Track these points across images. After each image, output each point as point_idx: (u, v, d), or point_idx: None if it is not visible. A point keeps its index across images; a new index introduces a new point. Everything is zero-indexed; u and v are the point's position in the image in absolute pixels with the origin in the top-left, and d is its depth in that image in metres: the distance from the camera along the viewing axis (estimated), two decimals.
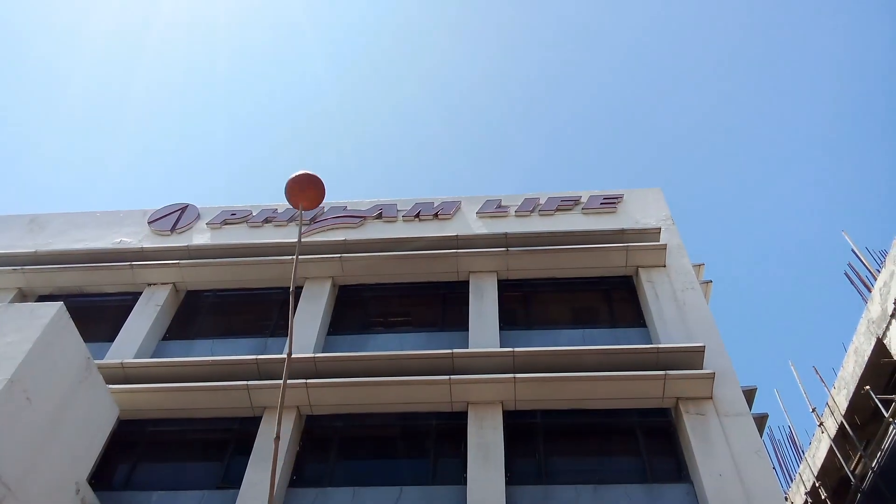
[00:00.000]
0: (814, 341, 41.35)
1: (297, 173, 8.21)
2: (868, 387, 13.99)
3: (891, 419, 13.40)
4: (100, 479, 9.27)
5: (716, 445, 8.74)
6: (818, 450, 16.11)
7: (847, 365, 15.29)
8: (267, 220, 13.70)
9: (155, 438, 10.12)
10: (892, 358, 13.58)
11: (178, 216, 14.00)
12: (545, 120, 46.40)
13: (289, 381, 9.73)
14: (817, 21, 41.48)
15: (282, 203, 14.09)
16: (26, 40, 40.34)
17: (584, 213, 13.33)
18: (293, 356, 10.20)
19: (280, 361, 10.15)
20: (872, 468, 14.02)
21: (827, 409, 15.88)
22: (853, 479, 14.58)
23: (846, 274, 15.89)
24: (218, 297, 12.64)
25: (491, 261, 12.08)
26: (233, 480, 9.19)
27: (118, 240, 13.61)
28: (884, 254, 14.42)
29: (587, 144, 47.47)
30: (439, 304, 12.14)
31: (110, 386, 9.56)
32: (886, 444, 13.71)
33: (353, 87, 46.94)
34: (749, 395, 10.52)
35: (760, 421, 11.23)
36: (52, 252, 12.97)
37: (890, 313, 13.54)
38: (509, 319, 11.41)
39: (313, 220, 13.53)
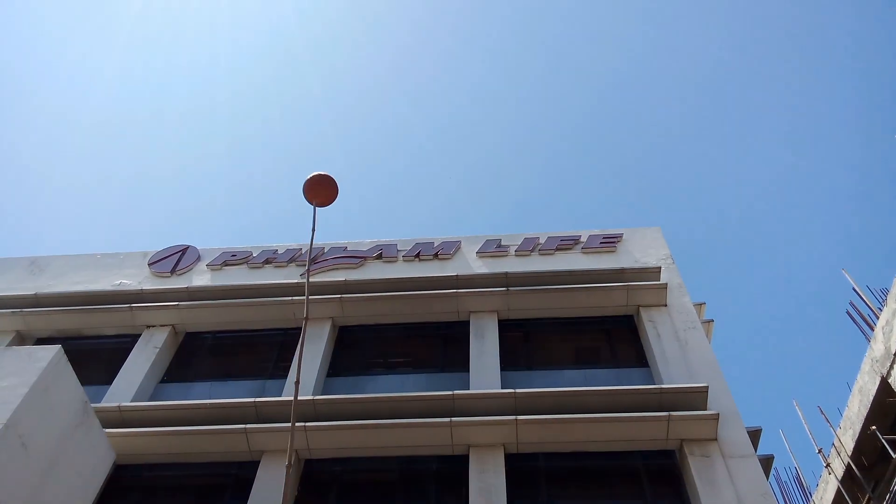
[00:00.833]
0: (818, 381, 41.03)
1: (314, 174, 8.69)
2: (874, 427, 13.84)
3: None
4: None
5: (722, 488, 8.59)
6: (826, 491, 15.85)
7: (852, 405, 15.14)
8: (267, 262, 13.70)
9: (152, 483, 9.96)
10: None
11: (178, 258, 14.01)
12: (539, 156, 46.77)
13: (286, 425, 9.64)
14: (818, 53, 42.14)
15: (281, 244, 14.12)
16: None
17: (584, 253, 13.34)
18: (292, 399, 10.16)
19: (279, 404, 10.06)
20: None
21: (833, 450, 15.67)
22: None
23: (848, 312, 15.85)
24: (217, 339, 12.57)
25: (491, 300, 12.04)
26: None
27: (118, 282, 13.59)
28: (885, 292, 14.40)
29: (583, 183, 47.77)
30: (440, 345, 12.07)
31: (107, 430, 9.45)
32: (895, 485, 13.49)
33: (345, 119, 47.42)
34: (754, 436, 10.39)
35: (766, 462, 11.08)
36: (51, 294, 12.95)
37: (893, 352, 13.46)
38: (510, 360, 11.32)
39: (313, 260, 13.53)
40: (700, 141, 44.75)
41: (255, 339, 12.52)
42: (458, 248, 13.67)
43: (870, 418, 14.14)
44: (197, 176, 46.74)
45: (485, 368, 10.83)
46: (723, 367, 10.49)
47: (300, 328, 11.99)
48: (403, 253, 13.62)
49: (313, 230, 8.48)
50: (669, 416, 9.25)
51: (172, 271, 13.70)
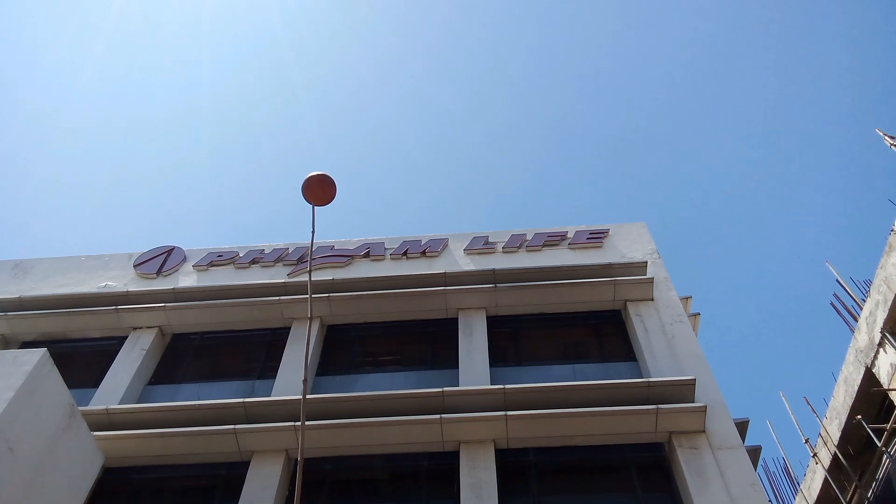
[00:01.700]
0: (803, 372, 41.41)
1: (312, 174, 8.77)
2: (860, 416, 13.97)
3: (884, 448, 13.37)
4: None
5: (710, 479, 8.66)
6: (813, 481, 16.01)
7: (838, 395, 15.30)
8: (254, 262, 13.64)
9: (141, 486, 9.91)
10: (881, 387, 13.60)
11: (164, 259, 13.93)
12: (524, 153, 46.88)
13: (276, 424, 9.65)
14: (804, 46, 42.47)
15: (268, 244, 14.07)
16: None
17: (570, 248, 13.39)
18: (281, 399, 10.15)
19: (268, 405, 10.04)
20: (868, 498, 13.93)
21: (820, 440, 15.82)
22: None
23: (832, 304, 15.99)
24: (204, 340, 12.51)
25: (479, 297, 12.06)
26: None
27: (103, 284, 13.49)
28: (868, 283, 14.54)
29: (569, 179, 47.93)
30: (428, 342, 12.08)
31: (95, 433, 9.39)
32: (880, 473, 13.65)
33: (331, 119, 47.33)
34: (742, 427, 10.47)
35: (754, 453, 11.17)
36: (36, 297, 12.83)
37: (877, 342, 13.61)
38: (499, 356, 11.35)
39: (300, 259, 13.50)
40: (683, 136, 45.05)
41: (243, 340, 12.47)
42: (446, 245, 13.68)
43: (855, 408, 14.29)
44: (181, 178, 46.48)
45: (474, 365, 10.85)
46: (710, 360, 10.60)
47: (288, 328, 12.09)
48: (391, 251, 13.62)
49: (313, 230, 8.54)
50: (658, 409, 9.32)
51: (158, 272, 13.61)
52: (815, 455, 15.89)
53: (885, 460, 13.40)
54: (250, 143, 46.58)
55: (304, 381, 7.47)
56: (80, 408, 9.21)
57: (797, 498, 16.55)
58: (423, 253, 13.48)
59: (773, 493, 16.26)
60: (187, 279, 13.48)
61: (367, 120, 47.11)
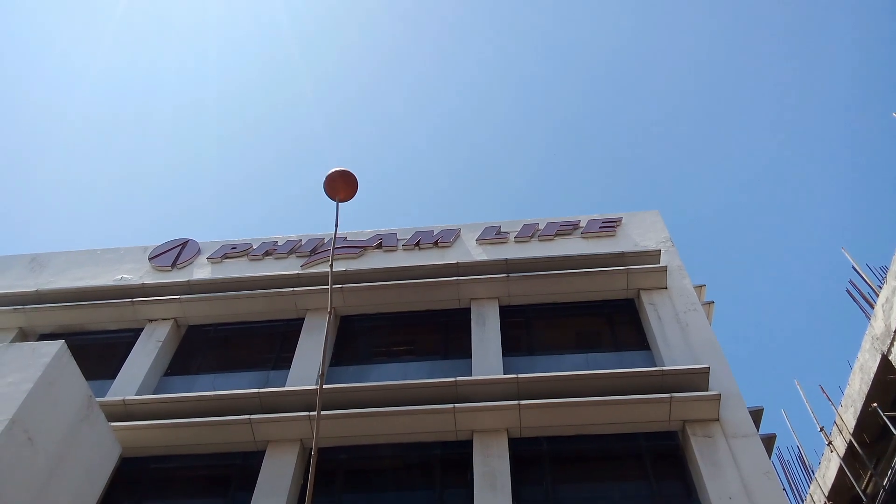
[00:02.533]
0: (819, 359, 41.16)
1: (334, 169, 8.91)
2: (875, 404, 13.90)
3: None
4: None
5: (724, 468, 8.65)
6: (828, 469, 15.95)
7: (853, 382, 15.21)
8: (267, 253, 13.72)
9: (158, 475, 10.03)
10: None
11: (178, 252, 14.03)
12: (538, 142, 46.69)
13: (291, 414, 9.72)
14: (819, 35, 41.99)
15: (281, 236, 14.14)
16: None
17: (583, 238, 13.35)
18: (296, 389, 10.23)
19: (283, 395, 10.12)
20: (884, 486, 13.86)
21: (835, 428, 15.75)
22: (864, 498, 14.40)
23: (848, 291, 15.89)
24: (219, 332, 12.61)
25: (492, 287, 12.06)
26: None
27: (119, 277, 13.62)
28: (885, 270, 14.42)
29: (582, 168, 47.72)
30: (441, 333, 12.11)
31: (112, 423, 9.50)
32: None
33: (340, 113, 47.32)
34: (756, 415, 10.44)
35: (768, 442, 11.14)
36: (53, 290, 12.97)
37: (894, 329, 13.50)
38: (512, 346, 11.36)
39: (313, 251, 13.56)
40: (698, 123, 44.71)
41: (258, 331, 12.56)
42: (458, 235, 13.68)
43: (871, 396, 14.21)
44: (192, 172, 46.70)
45: (487, 354, 10.87)
46: (724, 348, 10.55)
47: (302, 319, 12.16)
48: (403, 242, 13.64)
49: (336, 224, 8.64)
50: (671, 397, 9.30)
51: (173, 265, 13.72)
52: (829, 443, 15.83)
53: None
54: (260, 137, 46.73)
55: (322, 375, 7.49)
56: (98, 399, 9.31)
57: (812, 486, 16.50)
58: (436, 243, 13.49)
59: (787, 482, 16.25)
60: (202, 271, 13.57)
61: (378, 112, 47.12)
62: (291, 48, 43.59)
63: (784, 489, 9.07)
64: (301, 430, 9.67)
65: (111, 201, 44.68)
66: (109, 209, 44.56)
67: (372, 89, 46.49)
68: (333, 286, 12.10)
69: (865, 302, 15.28)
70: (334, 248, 8.83)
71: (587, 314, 12.20)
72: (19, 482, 7.55)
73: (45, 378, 8.19)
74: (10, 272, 14.07)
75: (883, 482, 13.86)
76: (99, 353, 12.29)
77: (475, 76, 46.05)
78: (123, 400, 10.29)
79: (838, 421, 15.54)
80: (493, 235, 13.52)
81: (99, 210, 44.81)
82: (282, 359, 11.71)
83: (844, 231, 41.65)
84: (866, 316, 14.95)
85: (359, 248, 13.51)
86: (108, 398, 10.38)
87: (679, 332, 10.83)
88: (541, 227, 13.63)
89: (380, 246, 13.58)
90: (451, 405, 9.56)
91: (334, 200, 8.84)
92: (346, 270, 12.63)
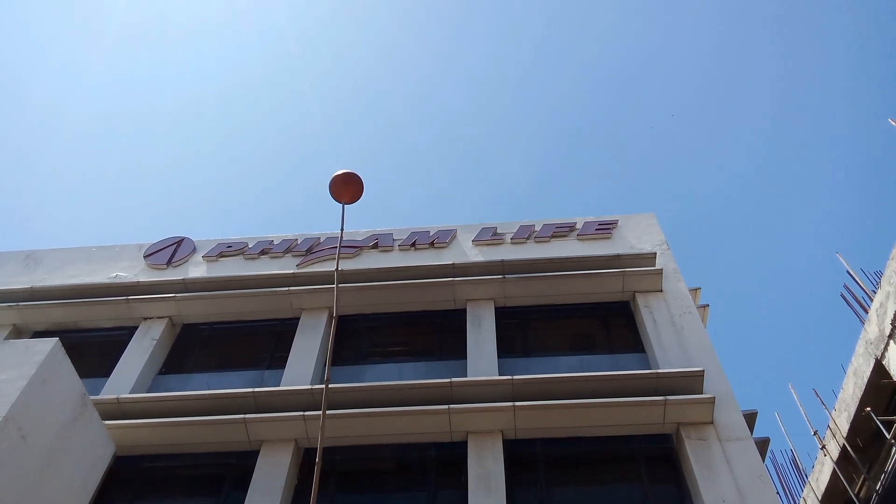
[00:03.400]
0: (813, 363, 41.30)
1: (340, 171, 8.86)
2: (869, 408, 13.94)
3: (893, 441, 13.33)
4: None
5: (718, 471, 8.67)
6: (821, 473, 15.99)
7: (847, 387, 15.26)
8: (263, 252, 13.69)
9: (151, 474, 10.00)
10: (891, 379, 13.55)
11: (173, 250, 14.00)
12: (534, 143, 46.75)
13: (286, 414, 9.71)
14: (814, 39, 42.12)
15: (277, 235, 14.12)
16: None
17: (579, 240, 13.37)
18: (290, 388, 10.22)
19: (277, 394, 10.10)
20: (876, 490, 13.91)
21: (828, 432, 15.79)
22: (858, 502, 14.44)
23: (842, 296, 15.93)
24: (214, 330, 12.58)
25: (488, 288, 12.07)
26: None
27: (114, 274, 13.58)
28: (879, 275, 14.47)
29: (578, 170, 47.79)
30: (437, 333, 12.11)
31: (106, 422, 9.47)
32: (889, 465, 13.62)
33: (337, 112, 47.31)
34: (750, 419, 10.45)
35: (762, 445, 11.16)
36: (47, 287, 12.93)
37: (887, 334, 13.55)
38: (507, 347, 11.37)
39: (309, 250, 13.55)
40: (693, 128, 44.79)
41: (252, 330, 12.54)
42: (454, 236, 13.68)
43: (864, 400, 14.25)
44: (189, 170, 46.61)
45: (482, 356, 10.87)
46: (718, 352, 10.57)
47: (297, 318, 12.15)
48: (399, 242, 13.63)
49: (342, 227, 8.65)
50: (666, 400, 9.31)
51: (168, 263, 13.69)
52: (823, 447, 15.87)
53: (894, 452, 13.36)
54: (257, 136, 46.66)
55: (327, 376, 7.48)
56: (92, 397, 9.29)
57: (805, 490, 16.54)
58: (432, 244, 13.49)
59: (781, 485, 16.27)
60: (197, 270, 13.54)
61: (374, 112, 47.08)
62: (290, 46, 43.54)
63: (778, 493, 9.13)
64: (295, 429, 9.65)
65: (109, 198, 44.56)
66: (107, 206, 44.45)
67: (368, 89, 46.48)
68: (328, 286, 12.15)
69: (860, 306, 15.33)
70: (340, 248, 8.84)
71: (583, 316, 12.22)
72: (12, 480, 7.53)
73: (38, 376, 8.17)
74: (4, 269, 14.02)
75: (876, 486, 13.91)
76: (93, 350, 12.26)
77: (471, 77, 46.09)
78: (117, 398, 10.27)
79: (832, 425, 15.59)
80: (490, 237, 13.53)
81: (97, 207, 44.68)
82: (277, 358, 11.69)
83: (839, 236, 41.80)
84: (860, 320, 15.00)
85: (355, 248, 13.50)
86: (102, 396, 10.35)
87: (674, 334, 10.85)
88: (537, 228, 13.64)
89: (376, 246, 13.57)
90: (445, 406, 9.55)
91: (340, 203, 8.83)
92: (341, 270, 12.60)
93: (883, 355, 13.74)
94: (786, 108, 43.17)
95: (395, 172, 47.71)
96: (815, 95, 42.67)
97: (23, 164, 42.21)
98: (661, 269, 11.97)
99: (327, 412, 9.55)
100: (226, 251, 13.84)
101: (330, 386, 10.12)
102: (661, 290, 11.79)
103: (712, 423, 9.26)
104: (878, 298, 14.12)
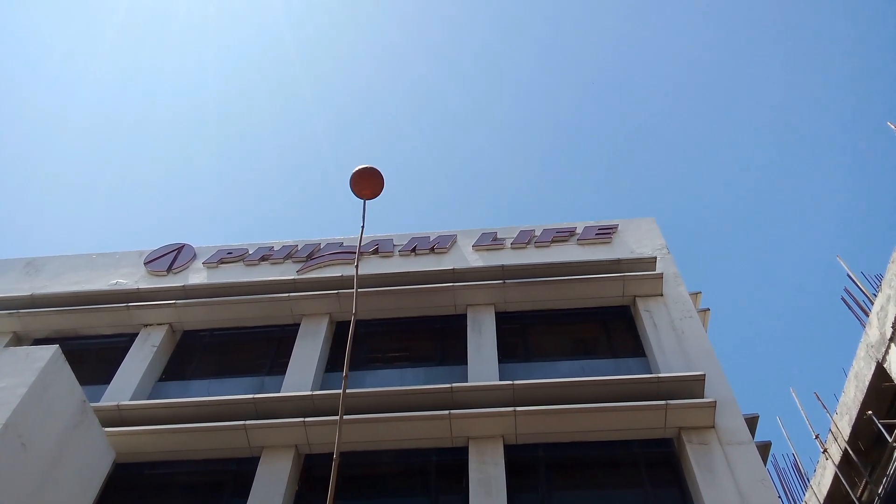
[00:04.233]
0: (814, 367, 41.24)
1: (361, 167, 9.01)
2: (870, 412, 13.93)
3: (894, 444, 13.30)
4: None
5: (720, 475, 8.65)
6: (823, 477, 15.96)
7: (848, 390, 15.24)
8: (263, 258, 13.70)
9: (152, 481, 9.98)
10: (892, 382, 13.54)
11: (174, 256, 14.00)
12: (534, 149, 46.79)
13: (286, 420, 9.70)
14: (814, 42, 42.21)
15: (277, 241, 14.12)
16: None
17: (579, 244, 13.36)
18: (291, 394, 10.21)
19: (278, 400, 10.10)
20: (879, 494, 13.88)
21: (830, 436, 15.77)
22: None
23: (843, 299, 15.93)
24: (214, 337, 12.57)
25: (488, 294, 12.06)
26: None
27: (114, 281, 13.58)
28: (880, 278, 14.47)
29: (577, 174, 47.82)
30: (437, 339, 12.10)
31: (106, 429, 9.46)
32: (891, 469, 13.59)
33: (336, 117, 47.38)
34: (751, 423, 10.44)
35: (764, 449, 11.14)
36: (47, 295, 12.93)
37: (888, 337, 13.54)
38: (508, 352, 11.36)
39: (309, 256, 13.55)
40: (693, 132, 44.84)
41: (253, 337, 12.53)
42: (454, 241, 13.68)
43: (866, 403, 14.23)
44: (189, 176, 46.65)
45: (483, 361, 10.86)
46: (719, 356, 10.56)
47: (297, 324, 12.14)
48: (399, 248, 13.63)
49: (363, 225, 8.70)
50: (667, 404, 9.30)
51: (168, 270, 13.69)
52: (825, 451, 15.84)
53: None
54: (257, 141, 46.70)
55: (345, 378, 7.49)
56: (92, 404, 9.28)
57: (807, 494, 16.50)
58: (432, 249, 13.49)
59: (782, 489, 16.23)
60: (197, 276, 13.55)
61: (373, 117, 47.15)
62: (289, 52, 43.63)
63: (780, 496, 9.11)
64: (296, 436, 9.64)
65: (108, 204, 44.59)
66: (107, 213, 44.47)
67: (367, 94, 46.56)
68: (329, 291, 12.15)
69: (860, 310, 15.33)
70: (359, 250, 8.92)
71: (583, 321, 12.21)
72: (12, 487, 7.52)
73: (39, 383, 8.16)
74: (5, 276, 14.02)
75: (878, 490, 13.88)
76: (93, 357, 12.25)
77: (470, 82, 46.18)
78: (118, 405, 10.26)
79: (833, 428, 15.57)
80: (490, 242, 13.53)
81: (97, 213, 44.70)
82: (277, 364, 11.68)
83: (840, 239, 41.81)
84: (861, 324, 14.99)
85: (355, 254, 13.47)
86: (103, 403, 10.34)
87: (675, 339, 10.84)
88: (537, 233, 13.64)
89: (376, 252, 13.57)
90: (446, 411, 9.54)
91: (361, 198, 8.84)
92: (342, 276, 12.62)
93: (884, 358, 13.73)
94: (786, 112, 43.26)
95: (395, 178, 47.76)
96: (816, 99, 42.76)
97: (22, 170, 42.27)
98: (662, 274, 11.97)
99: (328, 418, 9.62)
100: (226, 258, 13.84)
101: (329, 392, 10.19)
102: (662, 295, 11.79)
103: (713, 427, 9.24)
104: (878, 302, 14.12)
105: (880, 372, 13.86)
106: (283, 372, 11.20)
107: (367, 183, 8.73)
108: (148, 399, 11.09)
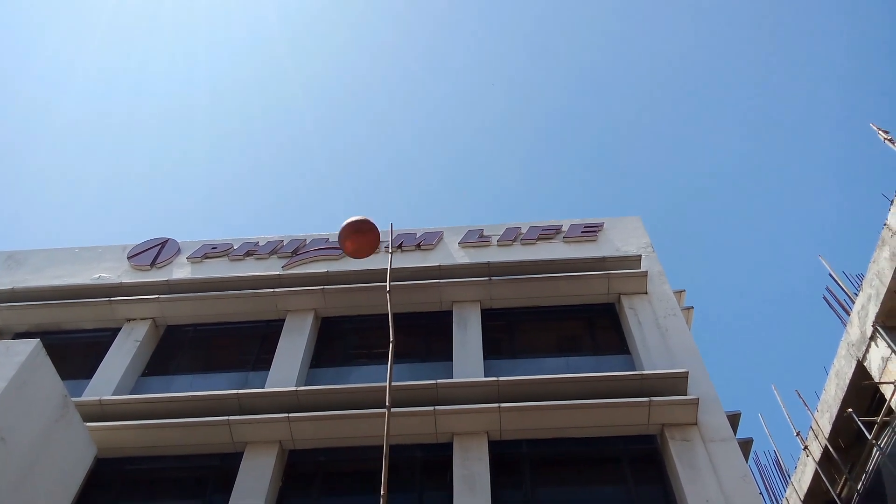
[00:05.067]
0: (795, 365, 41.59)
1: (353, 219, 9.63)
2: (850, 409, 14.07)
3: (874, 441, 13.46)
4: None
5: (702, 471, 8.71)
6: (804, 473, 16.12)
7: (829, 388, 15.39)
8: (248, 254, 13.62)
9: (134, 476, 9.91)
10: (872, 380, 13.69)
11: (157, 251, 13.89)
12: (520, 146, 46.85)
13: (270, 416, 9.66)
14: (797, 40, 42.54)
15: (263, 236, 14.05)
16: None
17: (565, 242, 13.40)
18: (275, 390, 10.16)
19: (261, 396, 10.05)
20: (858, 490, 14.04)
21: (811, 433, 15.92)
22: (839, 502, 14.57)
23: (825, 298, 16.07)
24: (198, 332, 12.49)
25: (474, 290, 12.07)
26: None
27: (97, 275, 13.46)
28: (860, 277, 14.60)
29: (563, 172, 47.95)
30: (423, 335, 12.09)
31: (88, 423, 9.38)
32: (870, 466, 13.76)
33: (324, 114, 47.21)
34: (733, 420, 10.53)
35: (746, 446, 11.23)
36: (29, 288, 12.79)
37: (869, 336, 13.69)
38: (493, 349, 11.38)
39: (295, 252, 13.49)
40: (677, 130, 45.07)
41: (237, 332, 12.47)
42: (441, 238, 13.67)
43: (846, 401, 14.38)
44: (176, 172, 46.28)
45: (468, 357, 10.87)
46: (702, 353, 10.64)
47: (282, 320, 12.09)
48: (386, 244, 13.58)
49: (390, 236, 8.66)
50: (650, 401, 9.36)
51: (152, 264, 13.58)
52: (805, 448, 16.00)
53: (875, 453, 13.50)
54: (245, 137, 46.42)
55: (390, 368, 7.48)
56: (74, 399, 9.19)
57: (788, 490, 16.66)
58: (418, 246, 13.47)
59: (764, 486, 16.38)
60: (181, 271, 13.45)
61: (362, 114, 47.01)
62: (278, 49, 43.36)
63: (761, 493, 9.16)
64: (280, 431, 9.60)
65: (94, 199, 44.14)
66: (92, 207, 44.02)
67: (355, 91, 46.42)
68: (314, 287, 12.11)
69: (842, 309, 15.48)
70: (390, 264, 8.86)
71: (568, 318, 12.25)
72: None
73: (19, 377, 8.07)
74: None
75: (857, 486, 14.04)
76: (75, 352, 12.13)
77: (457, 80, 46.15)
78: (100, 400, 10.17)
79: (814, 426, 15.72)
80: (476, 239, 13.54)
81: (82, 208, 44.23)
82: (261, 360, 11.63)
83: (822, 239, 42.21)
84: (842, 323, 15.14)
85: (340, 250, 13.43)
86: (84, 398, 10.25)
87: (659, 336, 10.90)
88: (523, 230, 13.66)
89: None
90: (431, 407, 9.55)
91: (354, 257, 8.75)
92: (327, 272, 12.59)
93: (864, 357, 13.88)
94: (770, 113, 43.58)
95: (382, 175, 47.66)
96: (799, 99, 43.11)
97: (8, 165, 41.76)
98: (646, 272, 12.03)
99: (312, 413, 9.60)
100: (210, 252, 13.75)
101: (314, 388, 10.15)
102: (646, 293, 11.85)
103: (696, 424, 9.31)
104: (859, 301, 14.27)
105: (860, 370, 14.02)
106: (268, 367, 11.15)
107: (362, 241, 8.83)
108: (130, 394, 11.00)
